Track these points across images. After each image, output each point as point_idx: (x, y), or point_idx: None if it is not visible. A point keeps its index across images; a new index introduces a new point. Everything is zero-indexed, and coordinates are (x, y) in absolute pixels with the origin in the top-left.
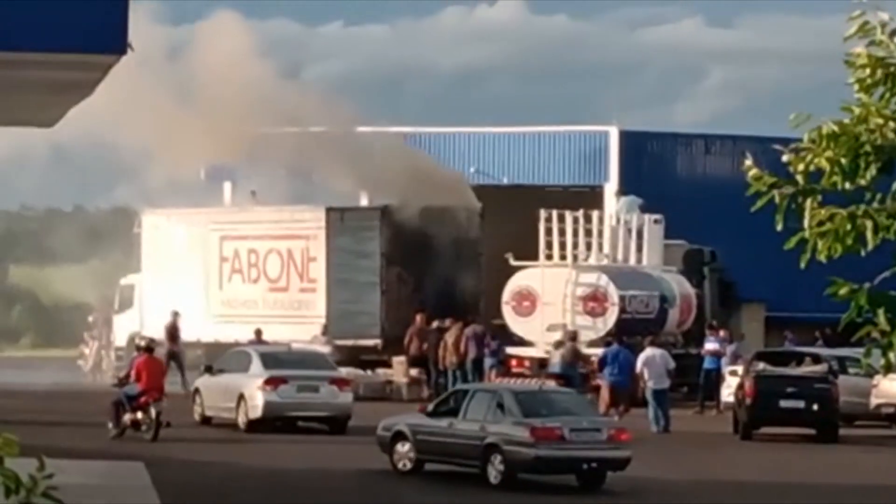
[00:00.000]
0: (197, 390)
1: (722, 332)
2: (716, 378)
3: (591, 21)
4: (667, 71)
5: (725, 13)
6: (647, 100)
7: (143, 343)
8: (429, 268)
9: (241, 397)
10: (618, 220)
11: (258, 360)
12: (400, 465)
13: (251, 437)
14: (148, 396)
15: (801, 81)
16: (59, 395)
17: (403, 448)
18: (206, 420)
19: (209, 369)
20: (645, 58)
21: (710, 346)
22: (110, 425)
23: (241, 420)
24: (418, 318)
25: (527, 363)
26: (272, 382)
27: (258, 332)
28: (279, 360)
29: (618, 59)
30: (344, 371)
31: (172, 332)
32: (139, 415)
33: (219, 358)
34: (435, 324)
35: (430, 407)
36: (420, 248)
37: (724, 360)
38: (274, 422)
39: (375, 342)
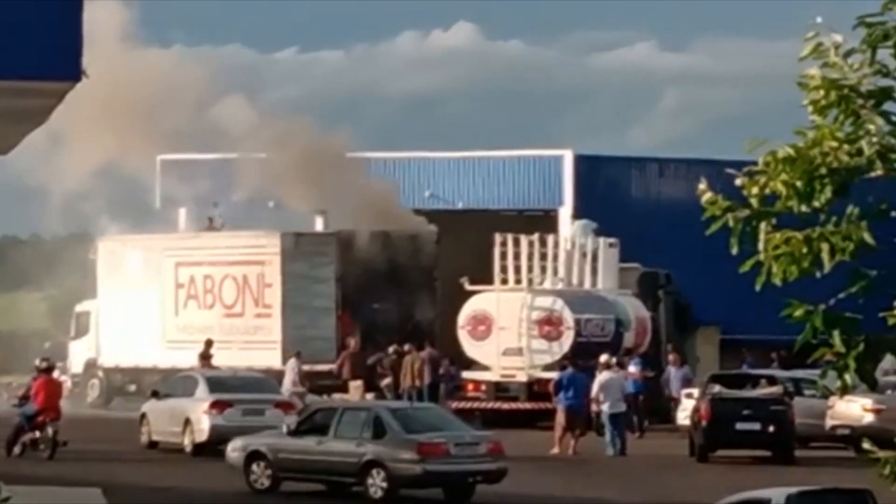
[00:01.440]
0: (144, 415)
1: (672, 357)
2: (634, 401)
3: (546, 46)
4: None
5: (680, 37)
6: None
7: (42, 364)
8: (384, 293)
9: (187, 421)
10: (573, 244)
11: (204, 384)
12: (257, 485)
13: (197, 460)
14: (45, 416)
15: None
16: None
17: (259, 467)
18: (153, 444)
19: (156, 394)
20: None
21: (632, 369)
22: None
23: (188, 444)
24: (352, 342)
25: (483, 387)
26: (218, 406)
27: (208, 343)
28: (225, 384)
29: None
30: (309, 397)
31: (206, 358)
32: (37, 434)
33: (165, 382)
34: (392, 348)
35: (292, 426)
36: (375, 273)
37: (674, 384)
38: (220, 445)
39: (331, 367)
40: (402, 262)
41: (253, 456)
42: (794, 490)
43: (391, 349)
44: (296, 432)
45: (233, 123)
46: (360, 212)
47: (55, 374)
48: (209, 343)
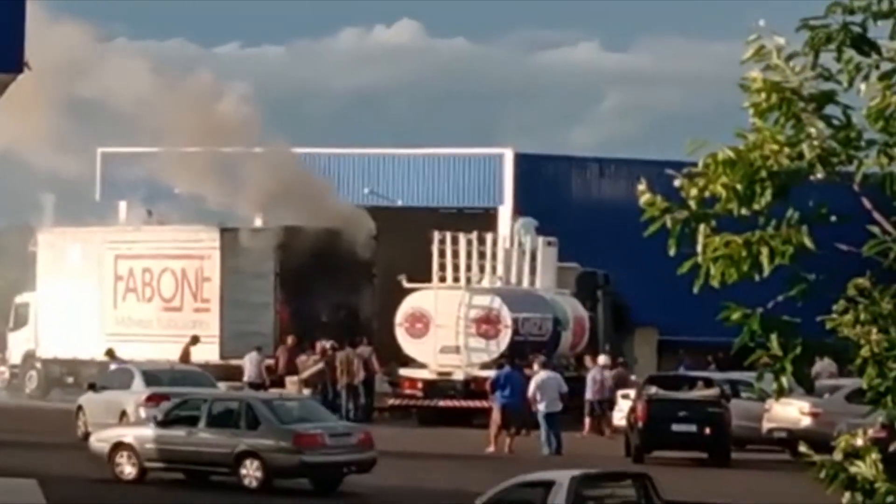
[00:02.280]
0: (80, 407)
1: (602, 359)
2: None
3: (489, 44)
4: (564, 94)
5: (622, 37)
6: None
7: None
8: (322, 289)
9: (123, 414)
10: (513, 242)
11: (140, 378)
12: (123, 475)
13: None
14: None
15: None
16: None
17: (124, 458)
18: (88, 437)
19: (92, 386)
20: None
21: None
22: None
23: None
24: (289, 338)
25: (419, 384)
26: (154, 399)
27: (110, 352)
28: (161, 378)
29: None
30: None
31: (185, 356)
32: None
33: (102, 375)
34: (328, 344)
35: (160, 417)
36: (314, 270)
37: (592, 386)
38: None
39: (269, 362)
40: (340, 258)
41: (118, 446)
42: (577, 472)
43: (327, 345)
44: (164, 423)
45: (170, 116)
46: (298, 207)
47: None
48: (195, 340)
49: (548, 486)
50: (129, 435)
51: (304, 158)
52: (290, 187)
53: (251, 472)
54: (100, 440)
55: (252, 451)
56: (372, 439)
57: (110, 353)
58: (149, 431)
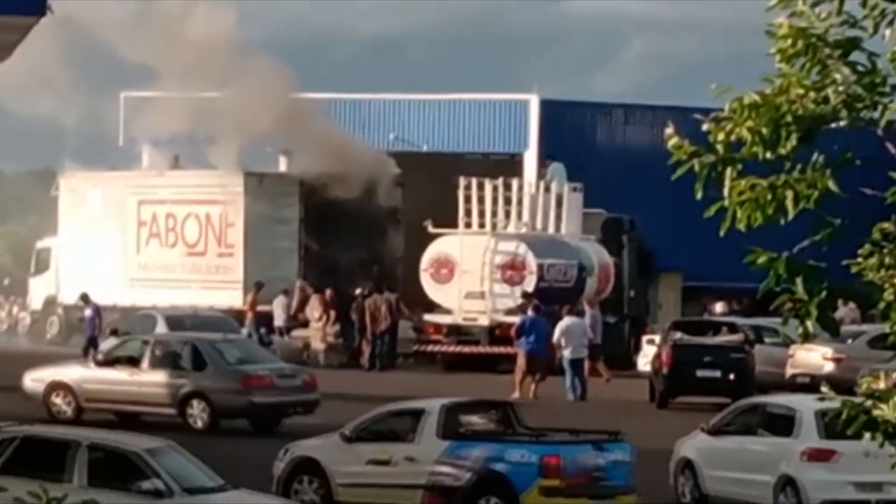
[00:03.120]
0: None
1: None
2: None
3: None
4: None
5: None
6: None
7: None
8: (347, 234)
9: None
10: (538, 188)
11: (163, 323)
12: (59, 415)
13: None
14: None
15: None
16: None
17: (60, 397)
18: None
19: (115, 332)
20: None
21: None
22: None
23: None
24: (297, 283)
25: (444, 330)
26: None
27: (84, 297)
28: (183, 323)
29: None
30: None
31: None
32: None
33: (125, 320)
34: (357, 290)
35: (101, 357)
36: (339, 215)
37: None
38: None
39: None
40: (365, 203)
41: (54, 386)
42: (447, 401)
43: (357, 291)
44: (104, 363)
45: (193, 60)
46: (321, 153)
47: None
48: (259, 286)
49: (419, 413)
50: (66, 375)
51: (328, 104)
52: (312, 133)
53: (197, 412)
54: (34, 380)
55: (199, 392)
56: (316, 381)
57: (84, 297)
58: (88, 371)
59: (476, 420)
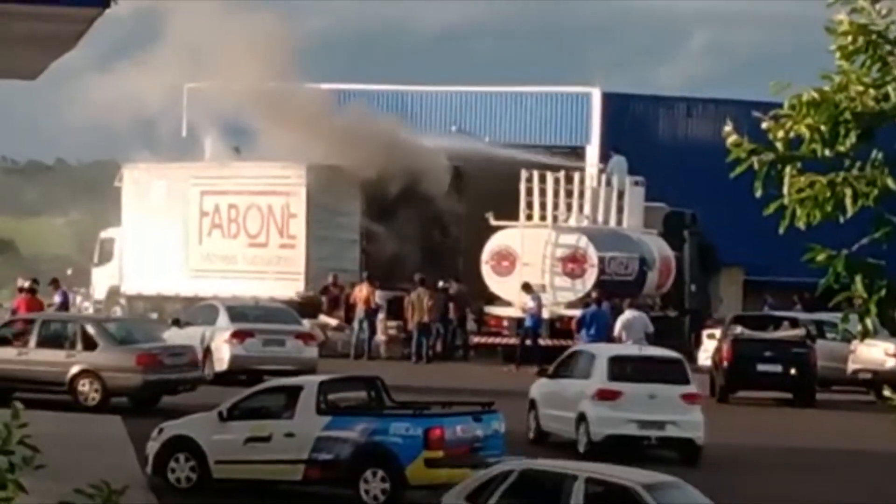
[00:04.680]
0: None
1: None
2: (531, 337)
3: None
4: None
5: None
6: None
7: (26, 284)
8: (408, 226)
9: (207, 350)
10: (600, 182)
11: (225, 314)
12: None
13: (217, 389)
14: None
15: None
16: None
17: None
18: None
19: (177, 322)
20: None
21: (530, 304)
22: None
23: (208, 373)
24: (330, 275)
25: (505, 322)
26: (238, 336)
27: (55, 282)
28: (246, 315)
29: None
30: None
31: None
32: None
33: (187, 311)
34: (440, 283)
35: None
36: (400, 207)
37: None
38: (239, 374)
39: (353, 299)
40: (424, 196)
41: None
42: (323, 377)
43: (440, 284)
44: None
45: (254, 55)
46: (373, 147)
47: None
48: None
49: (297, 389)
50: None
51: (391, 96)
52: (364, 127)
53: (89, 391)
54: None
55: (91, 371)
56: (198, 359)
57: (55, 282)
58: None
59: (350, 395)
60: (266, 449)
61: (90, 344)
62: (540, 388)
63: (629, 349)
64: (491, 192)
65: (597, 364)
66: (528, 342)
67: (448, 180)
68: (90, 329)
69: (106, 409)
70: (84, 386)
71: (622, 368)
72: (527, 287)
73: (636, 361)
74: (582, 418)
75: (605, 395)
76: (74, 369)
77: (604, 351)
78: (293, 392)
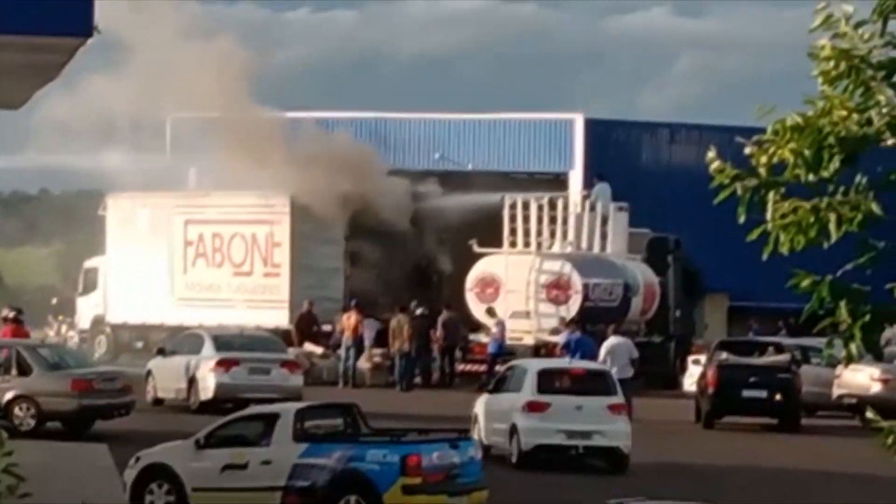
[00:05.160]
0: (149, 372)
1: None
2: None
3: (561, 9)
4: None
5: (694, 2)
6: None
7: (10, 314)
8: (390, 254)
9: (192, 379)
10: (584, 208)
11: (210, 343)
12: None
13: (202, 418)
14: None
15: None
16: None
17: None
18: (158, 401)
19: (161, 351)
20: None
21: (493, 330)
22: None
23: (193, 401)
24: (305, 304)
25: (489, 350)
26: (224, 364)
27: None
28: (231, 343)
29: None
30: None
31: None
32: None
33: (172, 340)
34: (419, 311)
35: None
36: (383, 235)
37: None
38: (225, 403)
39: (340, 327)
40: (410, 224)
41: None
42: (300, 405)
43: (418, 311)
44: None
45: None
46: (339, 175)
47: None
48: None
49: (273, 417)
50: None
51: (374, 124)
52: (332, 155)
53: (24, 415)
54: None
55: (26, 395)
56: (131, 386)
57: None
58: None
59: (326, 423)
60: (243, 476)
61: (25, 369)
62: (482, 403)
63: (558, 363)
64: (474, 218)
65: (527, 378)
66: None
67: (408, 210)
68: (24, 355)
69: (40, 433)
70: (19, 410)
71: (551, 381)
72: (490, 312)
73: (564, 374)
74: (513, 430)
75: (534, 407)
76: (9, 394)
77: (534, 365)
78: (270, 420)
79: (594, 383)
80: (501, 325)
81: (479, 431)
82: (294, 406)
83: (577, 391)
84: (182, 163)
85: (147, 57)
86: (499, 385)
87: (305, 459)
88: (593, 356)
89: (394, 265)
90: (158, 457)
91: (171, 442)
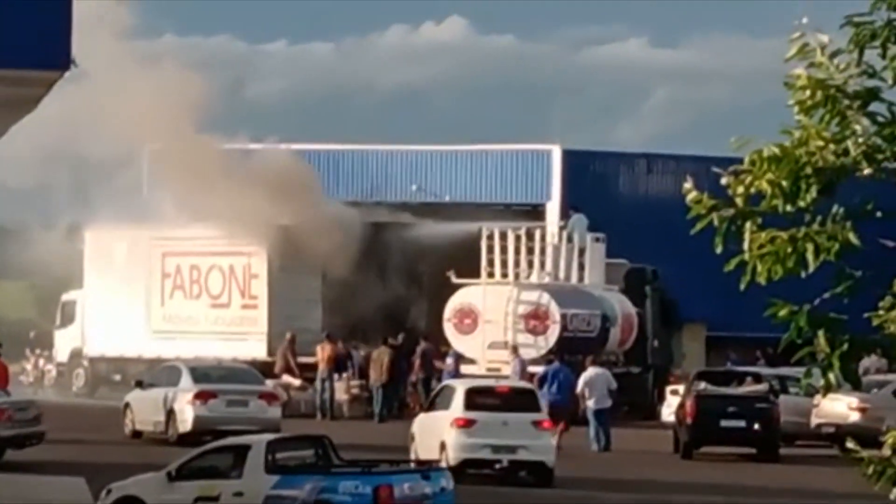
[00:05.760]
0: (127, 405)
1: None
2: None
3: (538, 41)
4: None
5: (671, 33)
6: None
7: None
8: (368, 286)
9: (171, 411)
10: (561, 238)
11: (188, 375)
12: None
13: (181, 450)
14: None
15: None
16: None
17: None
18: (136, 434)
19: (139, 384)
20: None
21: (448, 361)
22: None
23: (171, 434)
24: (289, 334)
25: None
26: (201, 396)
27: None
28: (209, 375)
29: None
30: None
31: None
32: None
33: (149, 372)
34: (391, 341)
35: None
36: (362, 265)
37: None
38: (203, 436)
39: (317, 359)
40: (388, 254)
41: None
42: (271, 437)
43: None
44: None
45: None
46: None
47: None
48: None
49: (245, 449)
50: None
51: (351, 155)
52: (281, 185)
53: None
54: None
55: None
56: (41, 414)
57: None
58: None
59: (298, 454)
60: None
61: None
62: (418, 422)
63: (486, 382)
64: (452, 249)
65: (456, 396)
66: None
67: (355, 242)
68: None
69: None
70: None
71: (478, 399)
72: (515, 350)
73: (491, 392)
74: (443, 445)
75: (461, 423)
76: None
77: (463, 384)
78: (241, 451)
79: (520, 400)
80: (455, 355)
81: (416, 449)
82: (265, 438)
83: (503, 408)
84: (158, 195)
85: (92, 87)
86: (432, 404)
87: (277, 491)
88: (571, 387)
89: (372, 297)
90: (130, 489)
91: (143, 474)
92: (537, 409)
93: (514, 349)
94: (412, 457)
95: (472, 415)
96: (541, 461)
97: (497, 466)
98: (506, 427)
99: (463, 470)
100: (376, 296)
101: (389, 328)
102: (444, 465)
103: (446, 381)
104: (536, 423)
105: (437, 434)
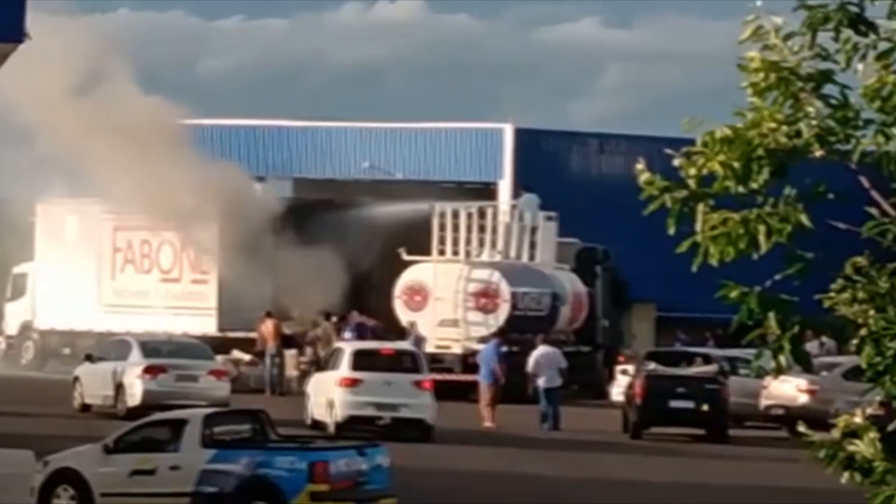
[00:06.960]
0: (77, 378)
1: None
2: None
3: (492, 20)
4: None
5: (624, 13)
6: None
7: None
8: (322, 262)
9: (120, 385)
10: (513, 217)
11: (137, 349)
12: None
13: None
14: None
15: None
16: None
17: None
18: (85, 407)
19: (89, 357)
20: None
21: (347, 335)
22: None
23: (120, 408)
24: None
25: None
26: (151, 371)
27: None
28: (158, 350)
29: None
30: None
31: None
32: None
33: (99, 346)
34: (333, 318)
35: None
36: (314, 240)
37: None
38: (152, 410)
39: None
40: (339, 228)
41: None
42: (208, 410)
43: (333, 319)
44: None
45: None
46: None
47: None
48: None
49: (181, 423)
50: None
51: (303, 132)
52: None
53: None
54: None
55: None
56: None
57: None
58: None
59: (234, 428)
60: (151, 482)
61: None
62: (312, 382)
63: (371, 344)
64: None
65: (344, 357)
66: None
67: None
68: None
69: None
70: None
71: (364, 360)
72: (342, 318)
73: (376, 354)
74: (331, 403)
75: (347, 383)
76: None
77: (351, 346)
78: (178, 425)
79: (403, 362)
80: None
81: (310, 407)
82: (202, 412)
83: (387, 369)
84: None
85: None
86: (324, 365)
87: (213, 465)
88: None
89: (323, 273)
90: (67, 461)
91: (81, 446)
92: (418, 369)
93: (412, 324)
94: (307, 414)
95: (358, 375)
96: (420, 418)
97: (380, 423)
98: (389, 386)
99: (349, 426)
100: (329, 272)
101: (344, 304)
102: (331, 420)
103: (339, 344)
104: (417, 383)
105: (327, 392)
